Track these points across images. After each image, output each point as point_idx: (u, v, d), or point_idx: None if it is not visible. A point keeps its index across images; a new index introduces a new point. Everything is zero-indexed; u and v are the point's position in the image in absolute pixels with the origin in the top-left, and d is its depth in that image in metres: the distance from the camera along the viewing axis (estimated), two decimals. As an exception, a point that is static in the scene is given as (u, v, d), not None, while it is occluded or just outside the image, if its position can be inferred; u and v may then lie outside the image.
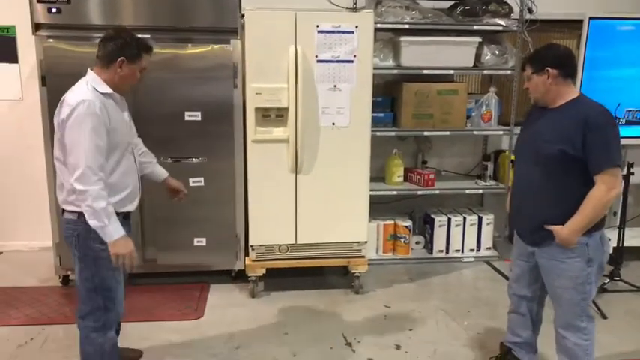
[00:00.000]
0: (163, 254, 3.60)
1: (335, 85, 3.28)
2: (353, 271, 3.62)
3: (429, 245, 4.33)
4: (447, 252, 4.30)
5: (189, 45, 3.38)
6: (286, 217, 3.44)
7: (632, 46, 3.88)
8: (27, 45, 3.79)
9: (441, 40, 3.91)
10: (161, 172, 2.74)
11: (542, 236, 2.34)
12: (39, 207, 3.92)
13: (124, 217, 2.32)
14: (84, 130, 2.09)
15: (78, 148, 2.09)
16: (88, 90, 2.16)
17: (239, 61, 3.41)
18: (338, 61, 3.26)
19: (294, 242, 3.51)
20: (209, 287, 3.68)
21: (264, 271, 3.53)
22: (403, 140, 4.37)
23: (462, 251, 4.32)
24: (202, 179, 3.52)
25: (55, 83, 3.25)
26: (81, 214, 2.13)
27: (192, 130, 3.46)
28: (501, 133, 4.22)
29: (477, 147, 4.64)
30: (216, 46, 3.38)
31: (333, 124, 3.34)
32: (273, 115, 3.32)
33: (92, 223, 2.11)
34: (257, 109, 3.29)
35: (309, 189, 3.44)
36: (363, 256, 3.62)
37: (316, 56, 3.25)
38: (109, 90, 2.22)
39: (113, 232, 2.13)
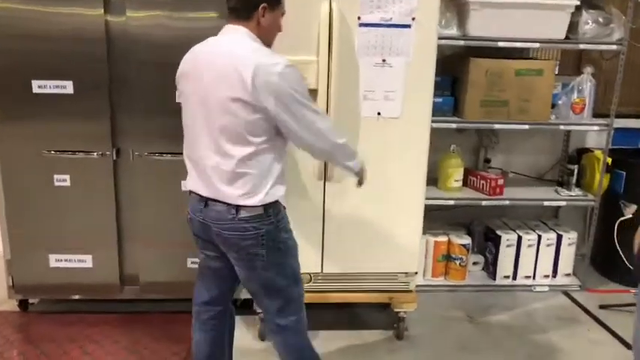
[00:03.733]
0: (146, 277, 2.75)
1: (384, 60, 2.33)
2: (397, 309, 2.71)
3: (490, 268, 3.39)
4: (515, 278, 3.36)
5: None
6: (310, 238, 2.53)
7: None
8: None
9: (524, 2, 2.90)
10: None
11: None
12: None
13: None
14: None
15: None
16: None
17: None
18: (389, 26, 2.30)
19: (319, 271, 2.62)
20: (206, 321, 2.82)
21: (278, 307, 2.64)
22: (461, 132, 3.38)
23: (534, 278, 3.37)
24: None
25: None
26: (267, 207, 1.83)
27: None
28: (597, 128, 3.20)
29: (555, 143, 3.64)
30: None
31: (379, 113, 2.40)
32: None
33: (352, 164, 2.00)
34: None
35: (341, 202, 2.52)
36: (410, 291, 2.71)
37: (359, 18, 2.29)
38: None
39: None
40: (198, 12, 2.48)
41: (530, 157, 3.64)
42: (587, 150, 3.51)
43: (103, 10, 2.44)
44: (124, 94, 2.55)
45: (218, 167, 1.79)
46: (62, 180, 2.58)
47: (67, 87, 2.48)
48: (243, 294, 2.82)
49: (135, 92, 2.54)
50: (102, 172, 2.60)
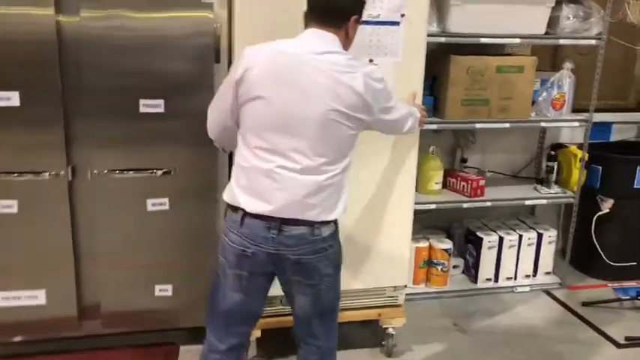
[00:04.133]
0: (109, 307, 2.46)
1: (371, 60, 2.15)
2: (385, 325, 2.56)
3: (471, 271, 3.29)
4: (497, 280, 3.28)
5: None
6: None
7: None
8: None
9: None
10: None
11: None
12: None
13: None
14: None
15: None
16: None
17: (223, 22, 2.24)
18: (377, 23, 2.11)
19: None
20: (178, 351, 2.57)
21: (258, 334, 2.43)
22: (438, 133, 3.24)
23: (515, 278, 3.30)
24: (167, 200, 2.37)
25: None
26: (336, 221, 1.73)
27: (152, 127, 2.29)
28: (577, 124, 3.14)
29: (530, 140, 3.57)
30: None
31: None
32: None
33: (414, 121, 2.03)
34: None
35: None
36: (399, 305, 2.56)
37: None
38: None
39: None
40: (165, 11, 2.20)
41: (505, 155, 3.56)
42: (562, 145, 3.46)
43: (53, 10, 2.11)
44: (79, 106, 2.23)
45: (306, 181, 1.62)
46: (8, 206, 2.25)
47: (12, 98, 2.15)
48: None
49: (91, 103, 2.22)
50: (55, 195, 2.28)
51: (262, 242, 1.65)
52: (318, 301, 1.76)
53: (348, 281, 2.44)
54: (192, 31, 2.23)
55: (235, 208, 1.69)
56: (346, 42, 1.71)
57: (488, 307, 3.11)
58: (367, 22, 2.07)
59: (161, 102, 2.27)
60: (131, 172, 2.31)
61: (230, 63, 2.30)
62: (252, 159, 1.65)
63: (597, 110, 3.12)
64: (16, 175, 2.23)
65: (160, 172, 2.34)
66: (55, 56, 2.15)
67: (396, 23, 2.12)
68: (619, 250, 3.34)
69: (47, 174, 2.25)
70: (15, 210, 2.27)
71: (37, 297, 2.38)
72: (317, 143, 1.61)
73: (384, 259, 2.47)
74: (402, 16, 2.12)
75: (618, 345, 2.75)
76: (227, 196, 1.73)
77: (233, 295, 1.75)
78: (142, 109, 2.26)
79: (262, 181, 1.63)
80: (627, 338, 2.77)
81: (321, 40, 1.65)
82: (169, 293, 2.47)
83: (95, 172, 2.29)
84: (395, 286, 2.52)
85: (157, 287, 2.46)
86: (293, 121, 1.60)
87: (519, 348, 2.72)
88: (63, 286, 2.39)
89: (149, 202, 2.35)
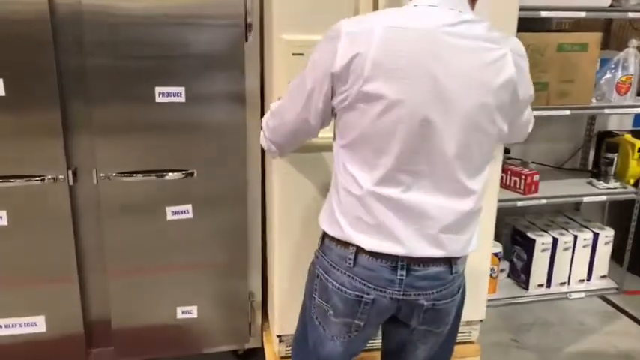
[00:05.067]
0: (124, 333, 2.07)
1: None
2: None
3: (520, 276, 2.95)
4: (549, 286, 2.94)
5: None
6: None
7: None
8: None
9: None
10: None
11: None
12: None
13: None
14: None
15: None
16: None
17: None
18: None
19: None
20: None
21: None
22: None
23: (569, 283, 2.97)
24: (189, 208, 1.98)
25: None
26: None
27: (170, 119, 1.88)
28: (641, 110, 2.79)
29: (574, 127, 3.22)
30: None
31: None
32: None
33: None
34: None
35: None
36: (472, 342, 2.16)
37: None
38: None
39: None
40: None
41: (547, 144, 3.21)
42: (612, 134, 3.12)
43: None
44: (80, 97, 1.82)
45: (447, 210, 1.22)
46: (-5, 219, 1.84)
47: (-3, 87, 1.73)
48: (251, 342, 2.22)
49: (96, 92, 1.81)
50: (54, 203, 1.86)
51: (386, 286, 1.25)
52: (441, 352, 1.43)
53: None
54: (216, 2, 1.82)
55: (345, 243, 1.27)
56: (473, 3, 1.26)
57: (544, 316, 2.78)
58: None
59: (181, 89, 1.86)
60: (146, 174, 1.91)
61: (262, 41, 1.90)
62: (367, 183, 1.21)
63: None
64: (3, 180, 1.81)
65: (180, 175, 1.94)
66: (49, 36, 1.73)
67: None
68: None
69: (42, 179, 1.83)
70: (4, 222, 1.85)
71: (36, 324, 1.97)
72: (461, 157, 1.19)
73: None
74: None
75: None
76: (327, 225, 1.30)
77: (336, 345, 1.36)
78: (159, 99, 1.86)
79: (385, 213, 1.21)
80: None
81: (450, 4, 1.19)
82: (194, 315, 2.08)
83: (102, 175, 1.88)
84: (470, 321, 2.09)
85: (179, 309, 2.07)
86: (430, 130, 1.16)
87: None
88: (65, 311, 1.99)
89: (169, 210, 1.95)
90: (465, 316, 2.01)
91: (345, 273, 1.27)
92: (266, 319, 2.19)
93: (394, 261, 1.23)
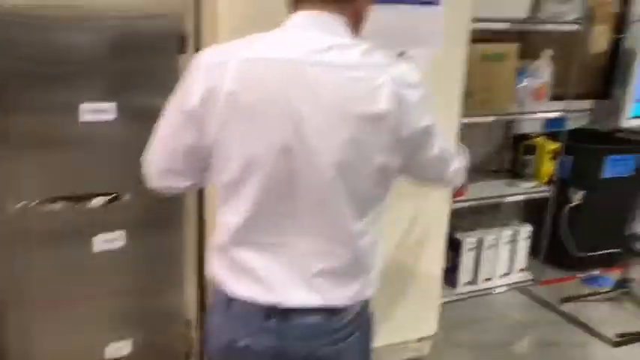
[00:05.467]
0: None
1: (402, 53, 1.72)
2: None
3: (449, 276, 3.04)
4: (475, 283, 3.07)
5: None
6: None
7: None
8: None
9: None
10: None
11: None
12: None
13: None
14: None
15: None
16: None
17: (191, 7, 1.72)
18: (411, 2, 1.69)
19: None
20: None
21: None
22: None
23: (492, 279, 3.12)
24: (122, 234, 1.82)
25: None
26: None
27: (97, 139, 1.72)
28: (557, 114, 2.96)
29: (494, 130, 3.37)
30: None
31: None
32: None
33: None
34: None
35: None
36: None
37: None
38: None
39: None
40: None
41: (468, 148, 3.32)
42: (527, 136, 3.30)
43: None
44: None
45: (332, 253, 1.11)
46: None
47: None
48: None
49: (9, 108, 1.61)
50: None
51: (258, 332, 1.14)
52: None
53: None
54: (148, 11, 1.68)
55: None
56: (356, 25, 1.14)
57: (471, 313, 2.89)
58: (397, 1, 1.64)
59: (110, 106, 1.70)
60: (70, 201, 1.73)
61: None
62: (234, 228, 1.11)
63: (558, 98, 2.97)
64: None
65: (109, 198, 1.77)
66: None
67: (432, 3, 1.70)
68: (588, 240, 3.27)
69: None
70: None
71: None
72: (333, 197, 1.07)
73: (405, 302, 2.03)
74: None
75: (612, 343, 2.65)
76: (208, 266, 1.20)
77: None
78: (84, 117, 1.68)
79: (254, 257, 1.12)
80: (618, 335, 2.68)
81: (322, 27, 1.08)
82: (128, 350, 1.93)
83: (18, 206, 1.67)
84: (420, 337, 2.09)
85: (113, 345, 1.90)
86: (293, 175, 1.06)
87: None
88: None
89: (96, 239, 1.79)
90: (417, 333, 2.05)
91: (221, 314, 1.17)
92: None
93: (266, 308, 1.12)
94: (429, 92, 1.11)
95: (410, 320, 2.03)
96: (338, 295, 1.13)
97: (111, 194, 1.78)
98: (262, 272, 1.11)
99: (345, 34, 1.10)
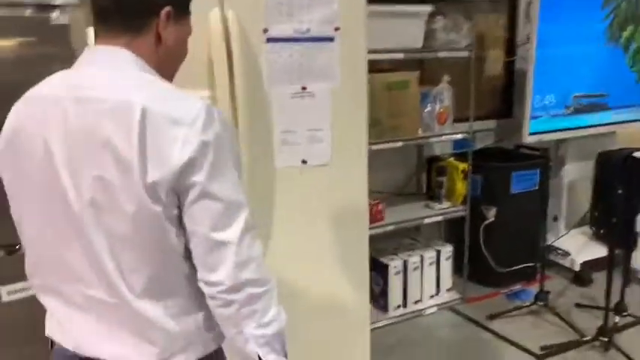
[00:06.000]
0: None
1: (304, 88, 1.77)
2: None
3: (379, 300, 3.08)
4: (405, 306, 3.12)
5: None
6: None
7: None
8: None
9: (384, 10, 2.64)
10: None
11: None
12: None
13: None
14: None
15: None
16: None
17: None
18: (306, 40, 1.74)
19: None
20: None
21: None
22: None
23: (421, 300, 3.18)
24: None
25: None
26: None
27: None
28: (460, 136, 3.12)
29: (407, 155, 3.50)
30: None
31: (304, 162, 1.82)
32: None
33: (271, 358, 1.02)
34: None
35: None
36: None
37: (265, 30, 1.69)
38: None
39: None
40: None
41: (384, 173, 3.43)
42: (438, 158, 3.45)
43: None
44: None
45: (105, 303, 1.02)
46: None
47: None
48: None
49: None
50: None
51: None
52: None
53: None
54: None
55: None
56: (161, 54, 1.03)
57: (404, 336, 2.92)
58: (295, 40, 1.69)
59: None
60: None
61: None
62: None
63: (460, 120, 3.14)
64: None
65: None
66: None
67: (330, 39, 1.76)
68: (506, 256, 3.40)
69: None
70: None
71: None
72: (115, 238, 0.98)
73: (333, 342, 1.99)
74: (337, 29, 1.77)
75: (538, 357, 2.73)
76: None
77: None
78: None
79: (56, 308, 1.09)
80: (542, 348, 2.77)
81: (97, 60, 1.01)
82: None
83: None
84: None
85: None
86: (59, 235, 1.01)
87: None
88: None
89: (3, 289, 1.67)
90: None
91: None
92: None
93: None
94: (224, 143, 0.97)
95: (341, 349, 2.01)
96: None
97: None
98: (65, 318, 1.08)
99: (133, 66, 1.00)
